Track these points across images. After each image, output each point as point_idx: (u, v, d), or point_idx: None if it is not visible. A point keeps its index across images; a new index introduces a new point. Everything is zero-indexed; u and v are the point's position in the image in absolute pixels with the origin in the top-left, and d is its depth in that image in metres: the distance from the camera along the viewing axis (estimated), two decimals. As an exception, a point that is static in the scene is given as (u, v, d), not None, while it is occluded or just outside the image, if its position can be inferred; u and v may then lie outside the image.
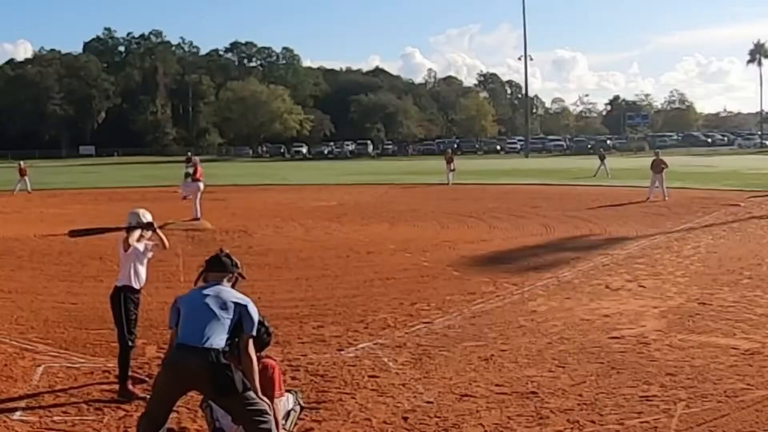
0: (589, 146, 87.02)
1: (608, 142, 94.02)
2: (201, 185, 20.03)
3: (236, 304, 4.83)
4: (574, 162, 56.42)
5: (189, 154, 48.13)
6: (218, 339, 4.67)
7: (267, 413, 4.69)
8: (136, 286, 6.59)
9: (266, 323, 5.22)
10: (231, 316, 4.76)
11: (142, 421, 4.86)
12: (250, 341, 4.82)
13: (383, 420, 5.77)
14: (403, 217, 20.47)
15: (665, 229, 17.44)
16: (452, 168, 34.75)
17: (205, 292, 4.89)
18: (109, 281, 11.62)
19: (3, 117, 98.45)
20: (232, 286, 5.07)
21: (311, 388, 6.52)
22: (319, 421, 5.76)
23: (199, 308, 4.78)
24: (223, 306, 4.78)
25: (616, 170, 41.22)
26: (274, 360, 5.39)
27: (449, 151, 41.41)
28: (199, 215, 19.54)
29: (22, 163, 34.79)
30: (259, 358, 5.00)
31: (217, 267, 5.06)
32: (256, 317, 4.86)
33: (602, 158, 40.33)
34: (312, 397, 6.30)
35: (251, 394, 4.68)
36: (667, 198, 24.12)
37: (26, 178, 32.93)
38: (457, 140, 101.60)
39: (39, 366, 7.18)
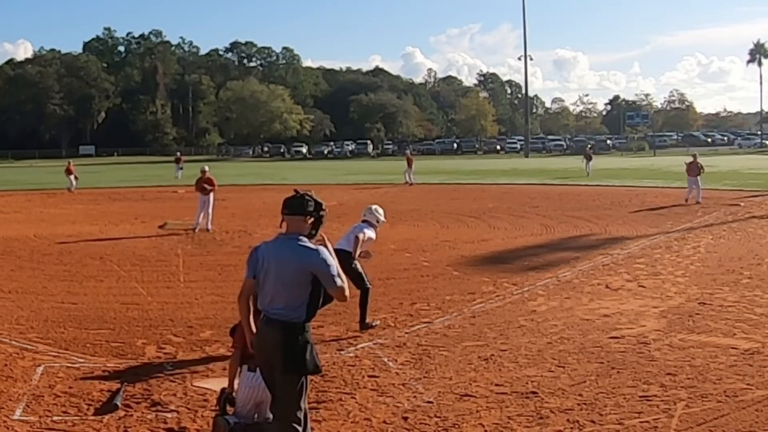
0: (588, 146, 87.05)
1: (608, 141, 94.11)
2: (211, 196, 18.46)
3: (309, 264, 4.49)
4: (574, 162, 56.34)
5: (178, 154, 48.26)
6: (297, 308, 4.50)
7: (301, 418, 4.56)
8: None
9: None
10: (308, 278, 4.49)
11: None
12: (338, 292, 4.51)
13: (383, 420, 5.77)
14: (403, 217, 20.47)
15: (665, 229, 17.45)
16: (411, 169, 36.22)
17: (280, 249, 4.57)
18: (109, 281, 11.72)
19: (3, 117, 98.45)
20: (314, 230, 4.68)
21: (311, 388, 6.50)
22: (319, 421, 5.76)
23: (277, 269, 4.52)
24: (299, 268, 4.49)
25: (617, 170, 41.27)
26: None
27: (408, 152, 42.60)
28: (208, 225, 18.09)
29: (70, 161, 36.25)
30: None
31: (292, 209, 4.61)
32: (333, 270, 4.49)
33: (588, 158, 40.52)
34: (312, 397, 6.29)
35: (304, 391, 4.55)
36: (701, 200, 23.11)
37: (72, 177, 33.63)
38: (457, 140, 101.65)
39: (39, 366, 7.17)
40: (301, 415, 4.54)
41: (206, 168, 19.24)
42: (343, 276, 4.57)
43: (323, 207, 4.73)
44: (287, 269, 4.50)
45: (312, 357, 4.52)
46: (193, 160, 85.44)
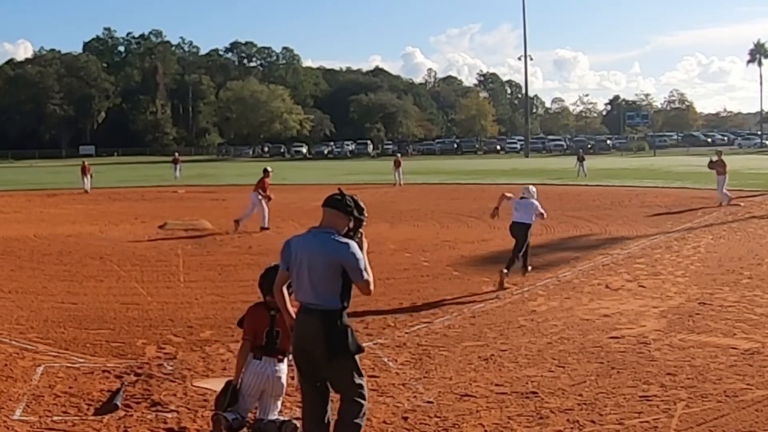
0: (588, 146, 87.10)
1: (608, 141, 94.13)
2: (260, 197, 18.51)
3: (338, 257, 4.66)
4: (573, 162, 56.32)
5: (176, 154, 48.22)
6: (332, 298, 4.68)
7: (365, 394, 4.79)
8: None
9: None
10: (338, 271, 4.67)
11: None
12: (364, 284, 4.68)
13: (383, 420, 5.76)
14: (403, 217, 20.47)
15: (665, 229, 17.44)
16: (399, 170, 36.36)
17: (312, 242, 4.75)
18: (109, 281, 11.71)
19: (3, 117, 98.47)
20: (353, 232, 4.82)
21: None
22: (319, 421, 5.75)
23: (309, 261, 4.71)
24: (328, 261, 4.67)
25: (616, 170, 41.25)
26: None
27: (399, 155, 42.58)
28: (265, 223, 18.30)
29: (85, 161, 35.93)
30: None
31: (332, 204, 4.79)
32: (361, 264, 4.67)
33: (581, 159, 40.45)
34: (312, 397, 6.29)
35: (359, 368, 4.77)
36: (723, 204, 22.23)
37: (87, 176, 33.32)
38: (457, 140, 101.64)
39: (39, 366, 7.17)
40: (363, 390, 4.78)
41: (269, 169, 19.83)
42: (370, 271, 4.74)
43: (365, 212, 4.89)
44: (318, 261, 4.68)
45: (354, 339, 4.75)
46: (193, 160, 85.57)
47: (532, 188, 11.80)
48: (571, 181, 36.08)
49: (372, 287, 4.73)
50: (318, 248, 4.70)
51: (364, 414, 4.79)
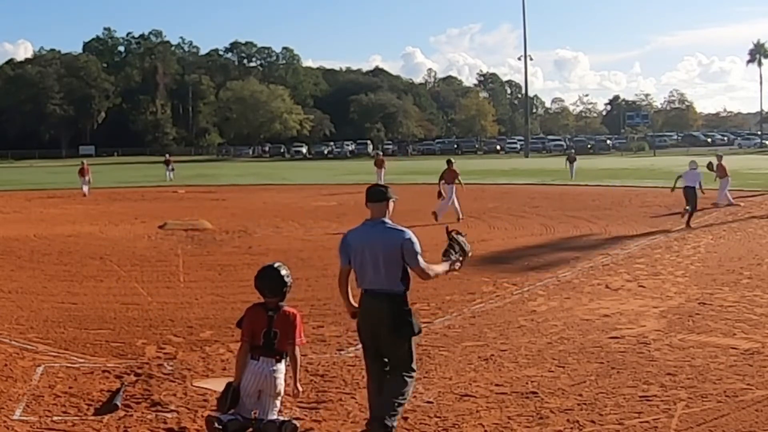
0: (588, 146, 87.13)
1: (608, 141, 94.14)
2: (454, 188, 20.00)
3: (396, 244, 5.15)
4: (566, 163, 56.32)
5: (167, 155, 47.68)
6: (394, 283, 5.16)
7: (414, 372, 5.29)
8: None
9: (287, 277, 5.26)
10: (397, 257, 5.13)
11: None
12: (420, 268, 5.15)
13: (383, 420, 5.76)
14: (403, 217, 20.37)
15: (665, 229, 17.45)
16: (383, 170, 34.74)
17: (370, 232, 5.27)
18: (109, 281, 11.71)
19: (3, 117, 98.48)
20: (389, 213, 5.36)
21: (311, 388, 6.51)
22: (319, 421, 5.76)
23: (370, 251, 5.19)
24: (388, 249, 5.15)
25: (616, 170, 41.25)
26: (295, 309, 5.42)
27: (380, 154, 42.02)
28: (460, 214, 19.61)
29: (84, 161, 34.53)
30: (280, 308, 5.20)
31: (375, 197, 5.35)
32: (416, 249, 5.14)
33: (572, 160, 39.94)
34: (312, 397, 6.30)
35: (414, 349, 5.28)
36: (720, 205, 22.27)
37: (86, 178, 31.37)
38: (457, 140, 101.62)
39: (39, 366, 7.17)
40: (414, 371, 5.31)
41: (452, 160, 21.46)
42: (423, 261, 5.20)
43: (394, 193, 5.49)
44: (379, 250, 5.17)
45: (416, 321, 5.26)
46: (193, 160, 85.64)
47: (696, 161, 18.27)
48: (571, 181, 36.08)
49: (429, 272, 5.20)
50: (377, 238, 5.20)
51: (409, 393, 5.30)
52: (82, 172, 31.83)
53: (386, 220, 5.30)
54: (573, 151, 50.06)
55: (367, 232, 5.28)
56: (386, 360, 5.29)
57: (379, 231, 5.22)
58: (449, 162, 20.92)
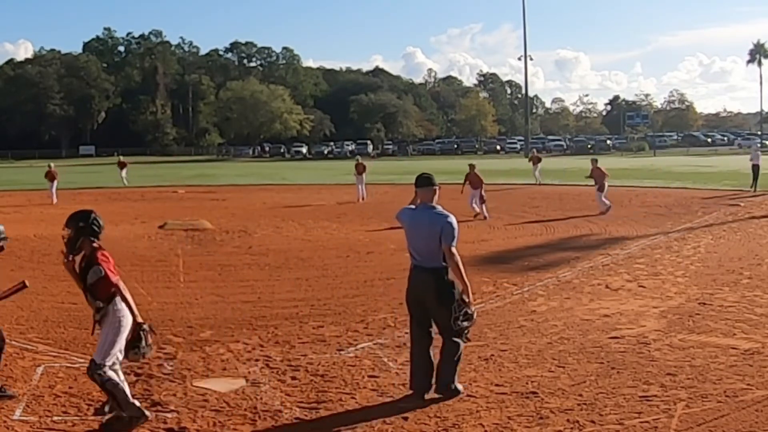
0: (588, 146, 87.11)
1: (608, 142, 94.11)
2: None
3: (438, 226, 6.04)
4: (573, 162, 56.38)
5: (120, 158, 40.63)
6: (437, 259, 6.05)
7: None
8: None
9: None
10: (439, 235, 6.00)
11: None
12: (450, 249, 5.98)
13: (383, 420, 5.77)
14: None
15: (665, 229, 17.44)
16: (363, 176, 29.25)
17: (420, 215, 6.20)
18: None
19: (3, 117, 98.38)
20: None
21: (311, 388, 6.51)
22: (319, 421, 5.76)
23: (417, 230, 6.18)
24: (431, 229, 6.03)
25: (616, 170, 40.99)
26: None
27: (359, 157, 35.98)
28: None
29: (121, 157, 34.95)
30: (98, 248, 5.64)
31: (423, 183, 6.23)
32: (454, 233, 6.02)
33: (536, 161, 36.67)
34: (312, 397, 6.30)
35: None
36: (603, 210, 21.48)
37: (124, 170, 32.92)
38: (458, 140, 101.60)
39: (39, 366, 7.18)
40: (458, 335, 6.14)
41: (474, 163, 22.23)
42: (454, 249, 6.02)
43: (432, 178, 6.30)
44: (424, 230, 6.09)
45: (457, 290, 6.05)
46: (193, 160, 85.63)
47: (757, 143, 20.20)
48: (571, 181, 35.99)
49: (456, 258, 5.97)
50: (425, 220, 6.12)
51: (461, 354, 6.22)
52: (49, 176, 28.34)
53: (435, 205, 6.17)
54: (535, 150, 47.55)
55: (417, 214, 6.23)
56: (434, 325, 6.22)
57: (428, 215, 6.12)
58: (472, 166, 21.49)
